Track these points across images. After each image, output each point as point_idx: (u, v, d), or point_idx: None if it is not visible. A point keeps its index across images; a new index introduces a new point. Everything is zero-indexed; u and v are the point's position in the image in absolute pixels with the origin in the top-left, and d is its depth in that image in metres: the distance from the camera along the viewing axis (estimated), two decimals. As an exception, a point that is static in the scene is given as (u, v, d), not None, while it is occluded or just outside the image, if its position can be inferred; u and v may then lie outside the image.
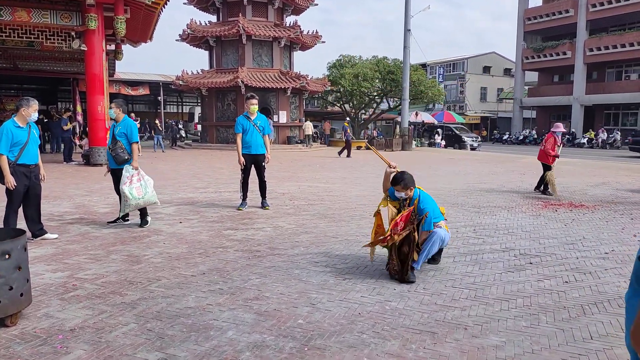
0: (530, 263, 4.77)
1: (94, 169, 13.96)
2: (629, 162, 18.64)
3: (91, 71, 14.83)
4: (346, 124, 23.68)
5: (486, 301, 3.73)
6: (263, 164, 7.51)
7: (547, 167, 9.45)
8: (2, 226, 5.20)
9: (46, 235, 5.54)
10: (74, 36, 14.61)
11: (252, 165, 7.54)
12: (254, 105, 7.37)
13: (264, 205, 7.68)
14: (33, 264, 4.36)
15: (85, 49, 14.58)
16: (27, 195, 5.36)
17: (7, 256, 3.11)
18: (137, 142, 6.22)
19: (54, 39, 14.61)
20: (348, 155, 20.39)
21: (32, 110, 5.22)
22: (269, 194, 8.24)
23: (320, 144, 30.36)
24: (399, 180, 4.34)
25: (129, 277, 4.23)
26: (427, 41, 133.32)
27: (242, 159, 7.40)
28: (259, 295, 3.81)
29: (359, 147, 27.11)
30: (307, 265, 4.63)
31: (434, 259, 4.60)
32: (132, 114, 22.27)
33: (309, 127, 29.23)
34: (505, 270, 4.51)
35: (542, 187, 9.58)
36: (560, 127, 9.57)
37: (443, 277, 4.31)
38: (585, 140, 32.53)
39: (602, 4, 34.45)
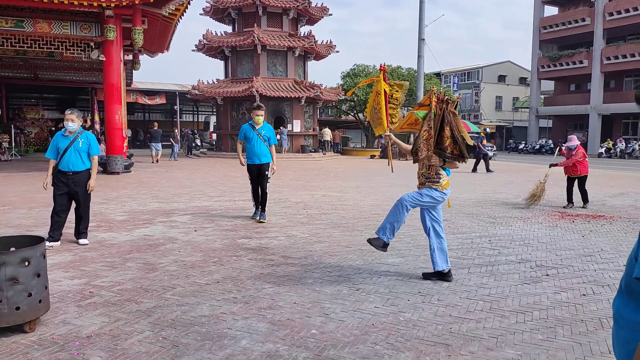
0: (547, 275, 4.70)
1: (110, 177, 14.16)
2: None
3: (109, 81, 15.13)
4: (482, 134, 21.59)
5: (502, 313, 3.69)
6: (267, 172, 7.32)
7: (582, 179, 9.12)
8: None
9: (80, 240, 5.79)
10: (93, 47, 14.94)
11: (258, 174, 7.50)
12: (259, 117, 7.25)
13: (260, 218, 7.30)
14: (51, 271, 4.43)
15: (104, 59, 14.88)
16: (73, 201, 5.74)
17: (26, 263, 3.17)
18: None
19: (73, 50, 14.93)
20: (487, 169, 17.05)
21: (65, 119, 5.55)
22: (282, 203, 8.27)
23: (334, 152, 30.41)
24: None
25: (144, 284, 4.27)
26: (441, 50, 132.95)
27: (243, 160, 7.48)
28: (273, 304, 3.83)
29: (372, 156, 27.11)
30: (321, 274, 4.63)
31: (447, 276, 4.45)
32: (155, 123, 22.41)
33: (327, 134, 29.38)
34: (521, 282, 4.46)
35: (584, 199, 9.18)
36: (571, 141, 9.14)
37: (457, 288, 4.27)
38: (603, 150, 32.02)
39: (619, 12, 34.05)
